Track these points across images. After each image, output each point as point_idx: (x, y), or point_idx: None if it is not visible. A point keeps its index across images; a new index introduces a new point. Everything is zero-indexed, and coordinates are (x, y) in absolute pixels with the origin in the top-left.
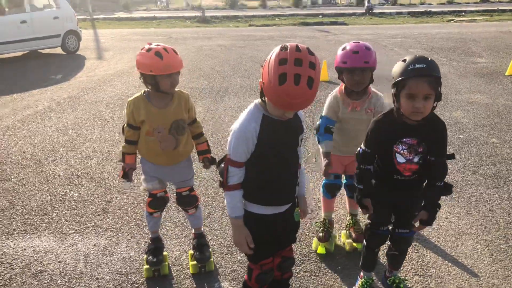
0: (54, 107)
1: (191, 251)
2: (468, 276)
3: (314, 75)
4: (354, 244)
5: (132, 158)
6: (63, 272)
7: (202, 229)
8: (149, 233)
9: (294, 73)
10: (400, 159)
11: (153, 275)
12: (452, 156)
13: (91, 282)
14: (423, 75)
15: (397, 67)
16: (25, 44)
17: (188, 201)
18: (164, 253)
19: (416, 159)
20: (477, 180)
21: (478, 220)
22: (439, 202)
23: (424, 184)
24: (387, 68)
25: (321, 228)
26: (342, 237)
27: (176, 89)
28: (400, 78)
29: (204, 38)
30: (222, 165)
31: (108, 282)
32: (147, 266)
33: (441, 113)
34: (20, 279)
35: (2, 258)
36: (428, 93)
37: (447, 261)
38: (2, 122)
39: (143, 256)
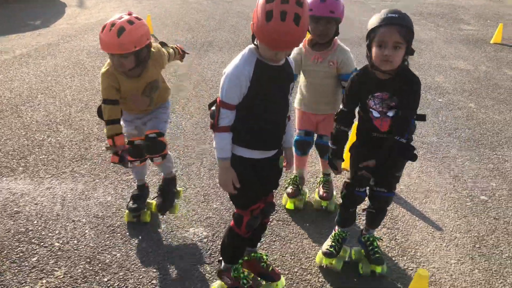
0: (32, 53)
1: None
2: (432, 230)
3: (302, 12)
4: (322, 202)
5: (122, 138)
6: (39, 214)
7: (173, 172)
8: (136, 181)
9: (280, 10)
10: (375, 113)
11: (133, 220)
12: (422, 118)
13: (67, 224)
14: (394, 23)
15: (372, 19)
16: None
17: (154, 145)
18: (152, 201)
19: (390, 114)
20: (451, 142)
21: (448, 179)
22: (399, 159)
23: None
24: None
25: (291, 184)
26: (315, 195)
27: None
28: (372, 27)
29: None
30: (214, 107)
31: (84, 224)
32: (127, 211)
33: (424, 77)
34: None
35: None
36: (398, 41)
37: (414, 216)
38: None
39: (120, 202)
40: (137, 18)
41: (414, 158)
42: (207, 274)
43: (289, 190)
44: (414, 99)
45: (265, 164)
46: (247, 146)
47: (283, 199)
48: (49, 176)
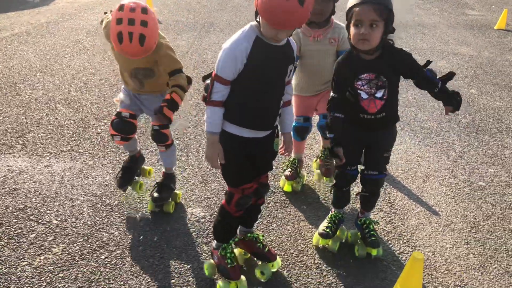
0: (31, 31)
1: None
2: (429, 214)
3: None
4: (324, 178)
5: None
6: (37, 191)
7: (173, 170)
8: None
9: None
10: (363, 95)
11: (124, 191)
12: (428, 63)
13: (65, 202)
14: (369, 1)
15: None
16: None
17: (157, 136)
18: (147, 167)
19: (379, 94)
20: (451, 127)
21: (446, 164)
22: (451, 92)
23: (392, 123)
24: None
25: (289, 166)
26: (313, 165)
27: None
28: (350, 6)
29: None
30: (208, 81)
31: (82, 203)
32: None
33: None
34: None
35: None
36: (374, 19)
37: (412, 200)
38: None
39: None
40: (144, 10)
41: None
42: (203, 253)
43: (287, 172)
44: (412, 65)
45: (256, 144)
46: (237, 123)
47: (281, 182)
48: (48, 154)
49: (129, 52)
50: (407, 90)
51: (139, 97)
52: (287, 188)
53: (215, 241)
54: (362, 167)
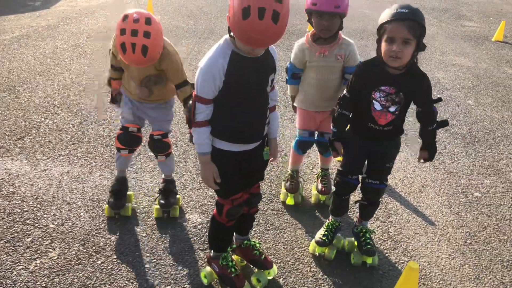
0: (32, 34)
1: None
2: (425, 224)
3: (281, 9)
4: (320, 196)
5: (117, 83)
6: (35, 195)
7: (172, 175)
8: (116, 170)
9: (258, 6)
10: (377, 106)
11: (113, 215)
12: (439, 99)
13: (62, 206)
14: (403, 19)
15: (383, 13)
16: None
17: (158, 146)
18: (130, 192)
19: (392, 109)
20: (448, 138)
21: (443, 175)
22: (435, 141)
23: (397, 136)
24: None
25: (289, 180)
26: (313, 190)
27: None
28: (382, 22)
29: None
30: (190, 102)
31: (80, 207)
32: (107, 206)
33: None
34: None
35: None
36: (407, 37)
37: (408, 210)
38: None
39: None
40: (148, 21)
41: (447, 123)
42: (199, 260)
43: (288, 185)
44: (428, 95)
45: (246, 156)
46: (226, 139)
47: (281, 195)
48: (46, 158)
49: (132, 61)
50: None
51: (143, 106)
52: (290, 201)
53: (212, 252)
54: (364, 175)
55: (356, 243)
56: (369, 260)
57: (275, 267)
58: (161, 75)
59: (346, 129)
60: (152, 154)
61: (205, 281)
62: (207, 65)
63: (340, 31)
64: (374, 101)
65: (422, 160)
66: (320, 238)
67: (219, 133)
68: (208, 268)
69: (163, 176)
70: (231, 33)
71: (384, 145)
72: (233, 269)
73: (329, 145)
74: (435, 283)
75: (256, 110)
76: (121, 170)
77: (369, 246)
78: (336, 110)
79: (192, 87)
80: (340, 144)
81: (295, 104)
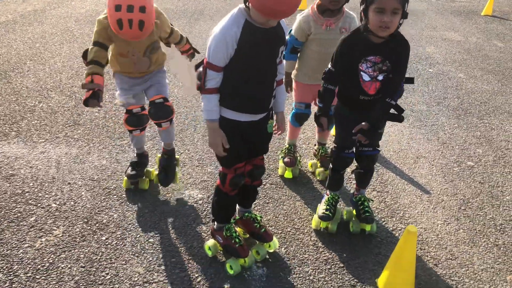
0: (18, 19)
1: (155, 171)
2: (421, 193)
3: None
4: (327, 172)
5: (101, 79)
6: (34, 176)
7: (173, 145)
8: (135, 150)
9: None
10: (366, 77)
11: (131, 187)
12: (411, 80)
13: (63, 186)
14: None
15: None
16: None
17: (162, 110)
18: (151, 169)
19: (380, 77)
20: (440, 110)
21: (436, 146)
22: (384, 119)
23: None
24: None
25: (287, 154)
26: (309, 167)
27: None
28: None
29: None
30: (200, 69)
31: (80, 187)
32: (125, 178)
33: (415, 47)
34: None
35: None
36: (396, 7)
37: (403, 180)
38: None
39: (115, 165)
40: None
41: (401, 119)
42: (202, 233)
43: (287, 159)
44: (405, 63)
45: (252, 127)
46: (233, 108)
47: (279, 169)
48: (43, 140)
49: (130, 37)
50: None
51: (143, 79)
52: (288, 174)
53: (216, 223)
54: (356, 143)
55: (354, 212)
56: (367, 228)
57: (275, 240)
58: (156, 40)
59: (336, 107)
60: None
61: (209, 253)
62: (220, 32)
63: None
64: (362, 72)
65: (357, 128)
66: (323, 213)
67: (226, 101)
68: (211, 241)
69: (162, 145)
70: (247, 3)
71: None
72: (237, 240)
73: (315, 120)
74: (432, 248)
75: (264, 81)
76: (138, 148)
77: (367, 214)
78: (321, 84)
79: (187, 40)
80: (326, 120)
81: (293, 77)
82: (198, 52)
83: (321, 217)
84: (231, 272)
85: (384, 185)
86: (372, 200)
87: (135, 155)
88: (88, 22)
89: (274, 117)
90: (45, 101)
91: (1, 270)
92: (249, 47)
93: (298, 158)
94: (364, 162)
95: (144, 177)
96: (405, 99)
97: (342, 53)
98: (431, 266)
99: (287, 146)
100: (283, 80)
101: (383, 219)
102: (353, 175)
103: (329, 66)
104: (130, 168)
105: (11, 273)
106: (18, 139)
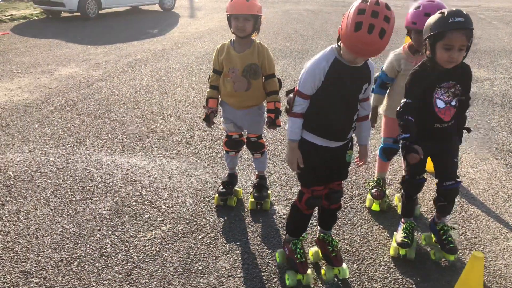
0: (150, 57)
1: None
2: (507, 231)
3: (387, 28)
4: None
5: (214, 102)
6: (151, 183)
7: (264, 173)
8: (227, 169)
9: (369, 23)
10: (440, 104)
11: (221, 203)
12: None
13: (172, 193)
14: (461, 28)
15: (435, 19)
16: (128, 0)
17: (255, 146)
18: (238, 189)
19: (453, 103)
20: None
21: None
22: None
23: (460, 129)
24: (483, 43)
25: (375, 187)
26: (395, 201)
27: (258, 40)
28: (439, 30)
29: (292, 2)
30: (291, 95)
31: (186, 194)
32: (217, 195)
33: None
34: (119, 184)
35: (107, 168)
36: (464, 44)
37: (489, 217)
38: (107, 66)
39: (215, 179)
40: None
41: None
42: (282, 243)
43: (375, 192)
44: (470, 82)
45: (329, 152)
46: (311, 131)
47: (367, 201)
48: (160, 156)
49: (236, 2)
50: (500, 115)
51: (239, 114)
52: (375, 207)
53: (287, 235)
54: (436, 179)
55: (434, 237)
56: (451, 258)
57: (346, 269)
58: (258, 67)
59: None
60: (248, 154)
61: (278, 259)
62: (311, 65)
63: None
64: (437, 100)
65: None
66: (402, 240)
67: (308, 125)
68: (282, 250)
69: (256, 172)
70: (339, 43)
71: (450, 142)
72: (299, 256)
73: (407, 150)
74: (510, 283)
75: (344, 112)
76: (231, 168)
77: (451, 245)
78: (402, 118)
79: (278, 81)
80: (419, 146)
81: (382, 112)
82: (279, 126)
83: (400, 244)
84: (287, 282)
85: (467, 219)
86: (455, 229)
87: (227, 174)
88: (205, 60)
89: (356, 148)
90: (165, 124)
91: (121, 251)
92: (335, 80)
93: (387, 192)
94: (448, 197)
95: (232, 195)
96: (505, 139)
97: (415, 84)
98: None
99: (376, 179)
100: (369, 116)
101: (460, 251)
102: (434, 205)
103: (404, 99)
104: (221, 187)
105: (128, 254)
106: (141, 153)
